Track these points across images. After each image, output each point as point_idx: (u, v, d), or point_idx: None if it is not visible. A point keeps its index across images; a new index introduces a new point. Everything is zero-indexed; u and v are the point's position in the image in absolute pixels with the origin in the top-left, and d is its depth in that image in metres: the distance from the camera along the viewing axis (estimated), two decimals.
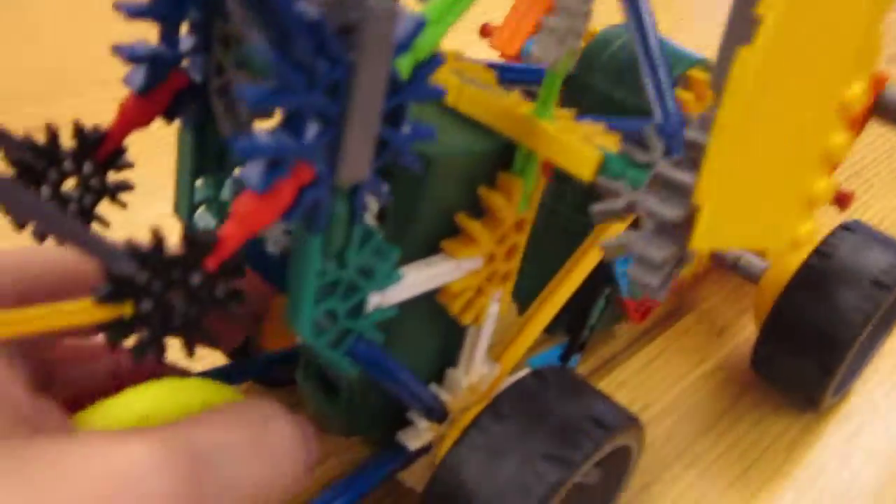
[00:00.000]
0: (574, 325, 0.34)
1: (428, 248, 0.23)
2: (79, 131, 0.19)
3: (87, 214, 0.20)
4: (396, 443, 0.28)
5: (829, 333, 0.34)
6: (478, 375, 0.28)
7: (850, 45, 0.19)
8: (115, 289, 0.16)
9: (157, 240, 0.16)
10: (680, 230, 0.19)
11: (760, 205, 0.19)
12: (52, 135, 0.19)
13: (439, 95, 0.19)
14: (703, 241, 0.19)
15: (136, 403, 0.20)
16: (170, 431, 0.17)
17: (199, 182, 0.23)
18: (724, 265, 0.41)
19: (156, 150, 0.30)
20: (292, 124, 0.17)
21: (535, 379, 0.26)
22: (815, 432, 0.38)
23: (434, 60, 0.18)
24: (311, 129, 0.17)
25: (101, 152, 0.20)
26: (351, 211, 0.19)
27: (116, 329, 0.16)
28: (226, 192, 0.24)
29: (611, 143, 0.23)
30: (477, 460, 0.24)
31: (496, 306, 0.26)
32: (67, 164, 0.19)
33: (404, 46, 0.17)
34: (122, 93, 0.20)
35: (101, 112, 0.24)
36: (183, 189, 0.22)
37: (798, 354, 0.35)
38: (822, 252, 0.35)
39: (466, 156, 0.23)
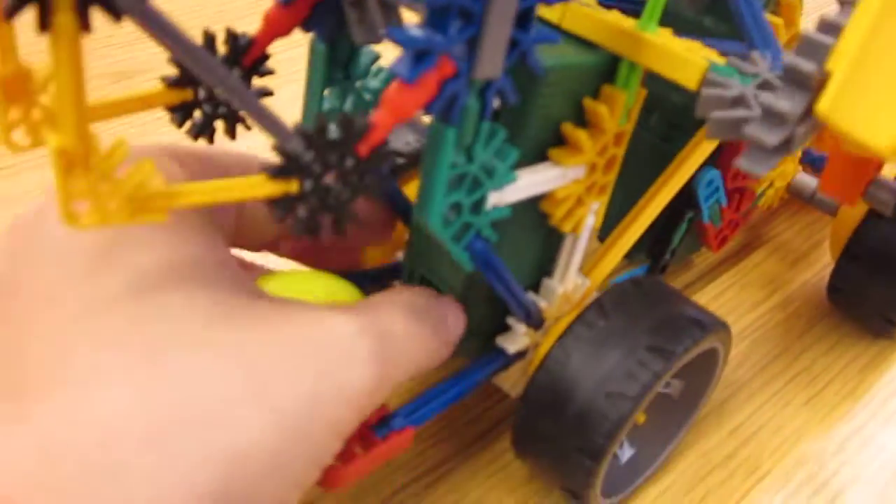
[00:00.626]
0: (656, 248, 0.35)
1: (536, 155, 0.25)
2: (231, 37, 0.21)
3: (235, 117, 0.22)
4: (495, 347, 0.30)
5: None
6: (572, 285, 0.29)
7: None
8: (285, 165, 0.18)
9: (321, 123, 0.18)
10: (811, 89, 0.20)
11: (878, 97, 0.20)
12: (210, 39, 0.21)
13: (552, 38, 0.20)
14: (829, 105, 0.20)
15: (317, 282, 0.23)
16: (361, 310, 0.21)
17: (325, 92, 0.25)
18: (801, 197, 0.41)
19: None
20: (436, 22, 0.18)
21: (634, 285, 0.28)
22: (889, 358, 0.39)
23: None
24: (454, 26, 0.18)
25: (247, 58, 0.22)
26: (482, 107, 0.20)
27: (283, 204, 0.18)
28: (348, 104, 0.26)
29: (713, 56, 0.24)
30: (584, 350, 0.26)
31: (592, 218, 0.28)
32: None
33: None
34: None
35: None
36: (312, 98, 0.24)
37: (877, 279, 0.36)
38: None
39: (575, 67, 0.24)
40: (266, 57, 0.22)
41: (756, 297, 0.42)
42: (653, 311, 0.27)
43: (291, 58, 0.30)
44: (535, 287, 0.29)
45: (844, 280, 0.38)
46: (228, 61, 0.22)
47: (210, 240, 0.21)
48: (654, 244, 0.36)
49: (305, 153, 0.18)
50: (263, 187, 0.18)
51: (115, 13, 0.14)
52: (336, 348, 0.20)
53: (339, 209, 0.19)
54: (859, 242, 0.36)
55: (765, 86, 0.22)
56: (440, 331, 0.24)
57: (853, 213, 0.37)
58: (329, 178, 0.19)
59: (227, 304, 0.19)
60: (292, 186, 0.18)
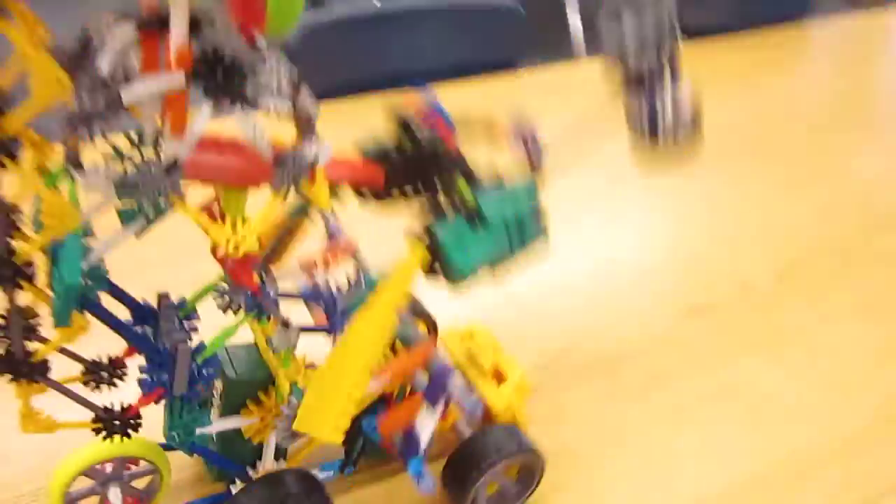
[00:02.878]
0: (347, 449, 0.67)
1: (236, 410, 0.57)
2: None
3: None
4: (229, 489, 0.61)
5: None
6: (271, 465, 0.61)
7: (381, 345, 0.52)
8: None
9: None
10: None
11: (324, 410, 0.52)
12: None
13: (212, 377, 0.53)
14: (309, 426, 0.52)
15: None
16: None
17: None
18: None
19: None
20: (154, 369, 0.52)
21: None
22: None
23: (213, 360, 0.52)
24: (156, 374, 0.52)
25: None
26: (181, 402, 0.53)
27: None
28: None
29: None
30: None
31: (273, 436, 0.60)
32: None
33: (201, 349, 0.52)
34: None
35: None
36: None
37: None
38: None
39: (247, 380, 0.57)
40: None
41: None
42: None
43: None
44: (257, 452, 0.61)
45: None
46: None
47: None
48: (347, 446, 0.67)
49: None
50: None
51: None
52: None
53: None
54: None
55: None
56: None
57: None
58: None
59: None
60: None
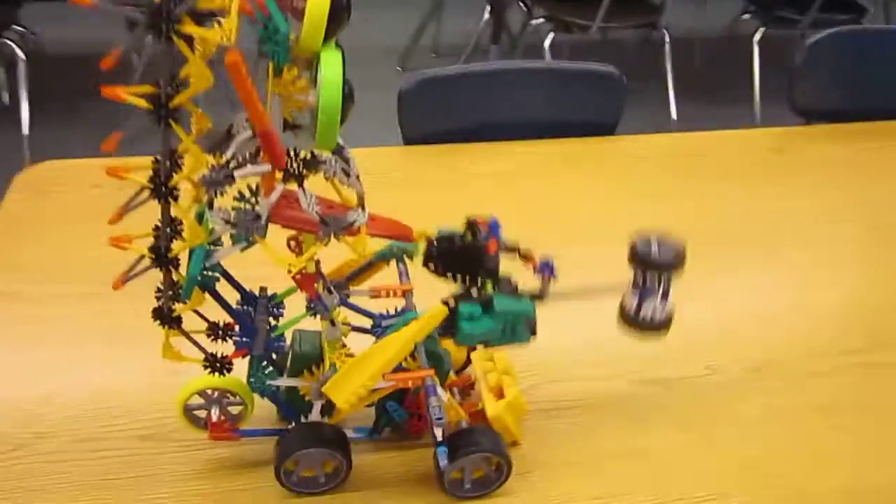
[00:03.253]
0: (376, 420, 0.91)
1: (298, 375, 0.84)
2: None
3: None
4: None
5: None
6: (317, 417, 0.87)
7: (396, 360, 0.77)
8: None
9: None
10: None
11: (346, 386, 0.77)
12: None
13: (280, 348, 0.80)
14: (327, 388, 0.77)
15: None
16: None
17: None
18: None
19: None
20: (245, 336, 0.79)
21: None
22: None
23: (281, 337, 0.79)
24: (248, 335, 0.79)
25: None
26: (259, 360, 0.81)
27: None
28: None
29: None
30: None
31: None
32: None
33: (275, 328, 0.79)
34: None
35: None
36: None
37: None
38: None
39: (308, 354, 0.83)
40: None
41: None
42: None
43: None
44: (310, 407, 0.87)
45: None
46: None
47: None
48: (376, 418, 0.91)
49: None
50: None
51: None
52: None
53: None
54: None
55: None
56: None
57: None
58: None
59: None
60: None
